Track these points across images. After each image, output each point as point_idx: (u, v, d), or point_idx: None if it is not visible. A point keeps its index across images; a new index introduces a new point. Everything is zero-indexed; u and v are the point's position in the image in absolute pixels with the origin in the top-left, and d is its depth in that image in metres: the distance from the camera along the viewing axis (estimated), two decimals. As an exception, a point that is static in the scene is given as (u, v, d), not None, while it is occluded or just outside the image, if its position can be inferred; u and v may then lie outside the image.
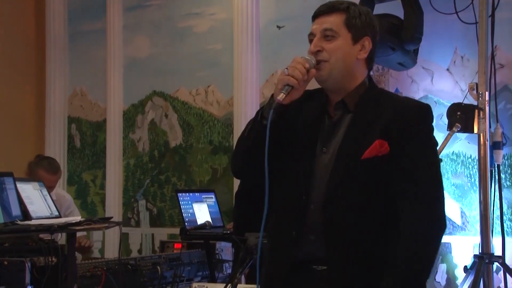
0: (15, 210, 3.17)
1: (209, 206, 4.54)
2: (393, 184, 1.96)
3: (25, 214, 3.24)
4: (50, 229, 3.04)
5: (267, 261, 2.10)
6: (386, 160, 1.94)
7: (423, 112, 2.04)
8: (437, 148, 3.53)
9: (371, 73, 4.45)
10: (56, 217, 3.46)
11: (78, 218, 3.39)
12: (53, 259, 3.19)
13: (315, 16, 2.08)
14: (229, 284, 3.59)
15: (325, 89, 2.09)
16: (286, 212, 2.05)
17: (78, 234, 3.69)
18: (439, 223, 1.97)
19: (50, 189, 4.35)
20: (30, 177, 4.35)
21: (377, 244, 1.97)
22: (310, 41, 2.06)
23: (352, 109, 2.03)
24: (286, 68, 1.98)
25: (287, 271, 2.02)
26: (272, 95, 1.99)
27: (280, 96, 1.95)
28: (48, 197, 3.55)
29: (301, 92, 2.00)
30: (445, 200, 2.00)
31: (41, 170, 4.35)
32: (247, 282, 3.82)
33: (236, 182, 4.63)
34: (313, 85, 2.10)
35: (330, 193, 1.97)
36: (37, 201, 3.43)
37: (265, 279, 2.09)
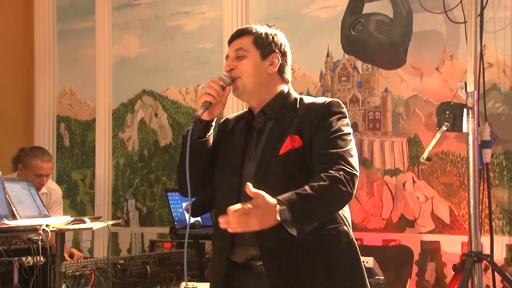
0: (3, 210, 3.16)
1: (199, 206, 4.53)
2: (312, 170, 2.14)
3: (13, 214, 3.22)
4: (38, 228, 3.02)
5: (211, 262, 2.33)
6: (301, 152, 2.18)
7: (329, 104, 2.25)
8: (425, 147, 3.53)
9: (360, 72, 4.41)
10: (44, 217, 3.45)
11: (66, 217, 3.38)
12: (42, 258, 3.18)
13: (230, 41, 2.35)
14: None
15: (248, 104, 2.35)
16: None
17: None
18: (347, 188, 2.09)
19: (46, 178, 4.32)
20: (17, 173, 4.32)
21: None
22: None
23: (272, 116, 2.28)
24: (203, 88, 2.26)
25: (228, 269, 2.22)
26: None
27: (200, 112, 2.22)
28: (36, 197, 3.54)
29: (221, 107, 2.28)
30: (358, 174, 2.14)
31: (35, 159, 4.32)
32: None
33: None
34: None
35: None
36: (26, 201, 3.42)
37: (211, 278, 2.33)
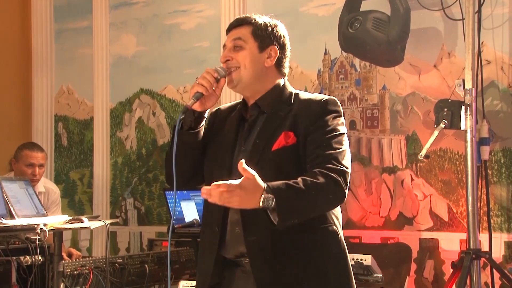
0: (1, 209, 3.15)
1: (197, 204, 4.53)
2: (304, 168, 2.11)
3: (11, 213, 3.22)
4: (36, 228, 3.02)
5: (199, 257, 2.27)
6: (294, 149, 2.13)
7: (326, 102, 2.20)
8: (427, 145, 3.53)
9: (357, 70, 4.41)
10: (42, 216, 3.44)
11: (64, 216, 3.37)
12: (40, 258, 3.17)
13: (228, 30, 2.30)
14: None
15: (242, 95, 2.30)
16: (211, 209, 2.19)
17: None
18: (340, 189, 2.06)
19: (39, 169, 4.30)
20: (14, 173, 4.32)
21: (293, 232, 2.06)
22: None
23: (266, 110, 2.22)
24: (197, 78, 2.20)
25: (216, 266, 2.16)
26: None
27: (190, 103, 2.17)
28: (34, 196, 3.53)
29: (214, 99, 2.22)
30: (349, 178, 2.10)
31: (25, 150, 4.32)
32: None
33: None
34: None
35: None
36: (23, 200, 3.42)
37: (198, 275, 2.26)
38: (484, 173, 3.80)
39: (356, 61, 4.52)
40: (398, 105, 4.39)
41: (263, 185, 1.92)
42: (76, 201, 5.77)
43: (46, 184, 4.52)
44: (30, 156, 4.26)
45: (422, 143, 4.21)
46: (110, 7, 5.65)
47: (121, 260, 3.85)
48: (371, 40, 3.87)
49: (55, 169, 5.86)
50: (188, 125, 2.20)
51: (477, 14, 3.74)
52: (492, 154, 3.99)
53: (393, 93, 4.40)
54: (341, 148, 2.12)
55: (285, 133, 2.12)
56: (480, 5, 3.78)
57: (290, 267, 2.10)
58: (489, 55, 4.05)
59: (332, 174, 2.03)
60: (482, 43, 3.93)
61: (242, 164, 1.90)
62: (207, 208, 2.25)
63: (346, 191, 2.07)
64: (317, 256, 2.12)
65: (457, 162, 4.15)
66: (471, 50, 3.63)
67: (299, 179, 1.99)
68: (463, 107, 3.59)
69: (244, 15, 2.33)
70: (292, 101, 2.23)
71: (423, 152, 3.62)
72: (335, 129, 2.15)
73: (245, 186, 1.89)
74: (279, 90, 2.26)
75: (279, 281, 2.09)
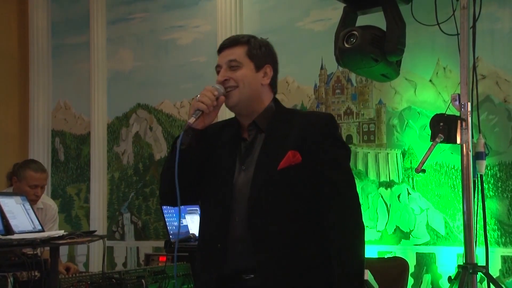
0: (-3, 225, 3.14)
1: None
2: (313, 190, 2.17)
3: (7, 229, 3.21)
4: (32, 243, 3.01)
5: (198, 274, 2.28)
6: (300, 168, 2.15)
7: (327, 120, 2.25)
8: (419, 158, 3.54)
9: (354, 85, 4.42)
10: (39, 231, 3.43)
11: (61, 232, 3.37)
12: (36, 273, 3.16)
13: (220, 50, 2.31)
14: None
15: (236, 115, 2.30)
16: (211, 227, 2.22)
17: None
18: (360, 228, 2.29)
19: (41, 189, 4.29)
20: (12, 187, 4.31)
21: (301, 246, 2.14)
22: (218, 72, 2.29)
23: (264, 128, 2.23)
24: (197, 95, 2.19)
25: (216, 282, 2.16)
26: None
27: (191, 120, 2.16)
28: (31, 211, 3.52)
29: (213, 117, 2.22)
30: (360, 201, 2.26)
31: (28, 170, 4.28)
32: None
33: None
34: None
35: (252, 204, 2.14)
36: (20, 215, 3.40)
37: None
38: (480, 187, 3.80)
39: (352, 76, 4.54)
40: (394, 120, 4.41)
41: None
42: (73, 216, 5.77)
43: (44, 200, 4.50)
44: (35, 178, 4.22)
45: (419, 157, 4.22)
46: (107, 23, 5.68)
47: (118, 275, 3.83)
48: (367, 55, 3.89)
49: (52, 184, 5.86)
50: (187, 143, 2.18)
51: (472, 29, 3.76)
52: (488, 168, 4.00)
53: (389, 107, 4.42)
54: (349, 171, 2.24)
55: (292, 152, 2.14)
56: (475, 21, 3.80)
57: (302, 283, 2.13)
58: (484, 70, 4.08)
59: (354, 226, 2.25)
60: (477, 58, 3.95)
61: None
62: (205, 225, 2.26)
63: (362, 216, 2.27)
64: (328, 270, 2.16)
65: (453, 176, 4.16)
66: (466, 64, 3.65)
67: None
68: (458, 122, 3.60)
69: (235, 35, 2.36)
70: (291, 119, 2.24)
71: (419, 166, 3.62)
72: (339, 153, 2.22)
73: None
74: (275, 108, 2.28)
75: None
